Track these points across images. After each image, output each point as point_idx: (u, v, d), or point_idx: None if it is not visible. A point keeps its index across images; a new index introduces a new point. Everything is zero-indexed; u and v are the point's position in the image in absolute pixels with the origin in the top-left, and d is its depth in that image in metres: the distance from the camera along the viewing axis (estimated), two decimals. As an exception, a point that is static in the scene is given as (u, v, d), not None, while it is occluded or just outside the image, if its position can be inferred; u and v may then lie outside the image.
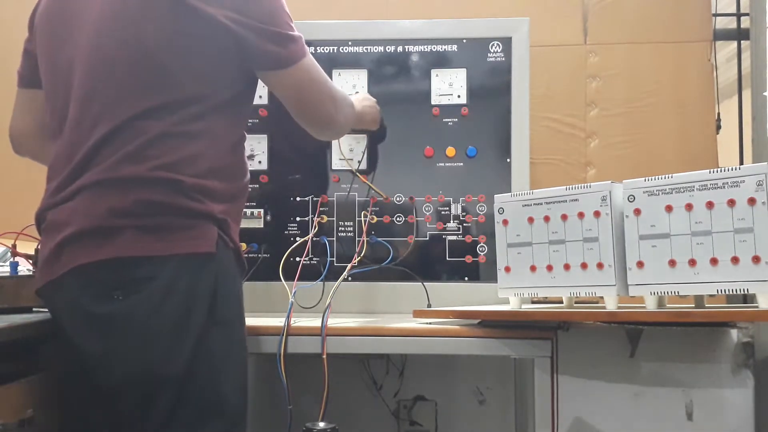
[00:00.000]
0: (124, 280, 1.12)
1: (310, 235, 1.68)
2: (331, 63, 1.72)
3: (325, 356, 1.30)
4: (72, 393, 1.20)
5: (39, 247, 1.24)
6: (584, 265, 1.27)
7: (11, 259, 1.34)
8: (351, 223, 1.71)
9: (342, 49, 1.74)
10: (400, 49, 1.74)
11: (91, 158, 1.15)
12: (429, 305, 1.61)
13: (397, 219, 1.70)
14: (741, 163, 2.15)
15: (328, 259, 1.67)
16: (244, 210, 1.69)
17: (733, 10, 2.28)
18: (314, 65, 1.30)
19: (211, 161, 1.20)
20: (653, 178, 1.21)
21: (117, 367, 1.13)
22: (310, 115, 1.33)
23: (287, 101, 1.32)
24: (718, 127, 2.06)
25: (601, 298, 1.26)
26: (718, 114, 2.06)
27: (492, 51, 1.72)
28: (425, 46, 1.74)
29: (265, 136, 1.73)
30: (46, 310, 1.22)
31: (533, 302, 1.53)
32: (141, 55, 1.16)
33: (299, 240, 1.68)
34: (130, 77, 1.16)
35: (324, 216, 1.71)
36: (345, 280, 1.58)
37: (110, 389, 1.15)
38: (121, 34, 1.17)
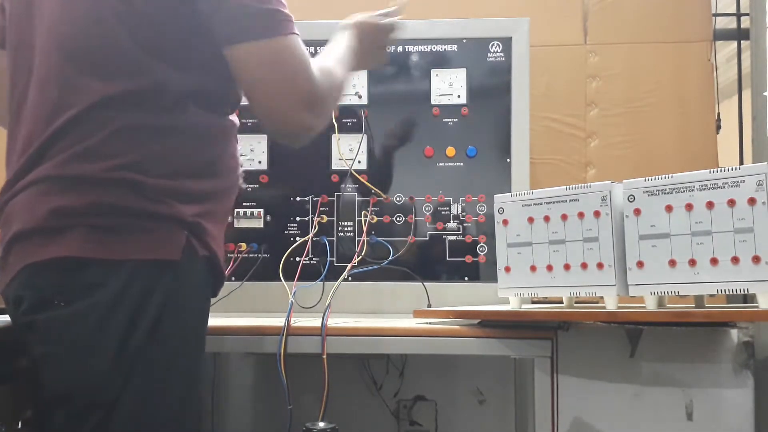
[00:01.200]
0: (68, 285, 1.00)
1: (310, 235, 1.68)
2: (331, 63, 1.72)
3: (325, 356, 1.30)
4: (25, 398, 1.12)
5: None
6: (584, 265, 1.27)
7: None
8: (351, 223, 1.71)
9: (342, 49, 1.74)
10: (400, 49, 1.74)
11: (45, 151, 1.03)
12: (429, 305, 1.61)
13: (397, 219, 1.70)
14: (741, 163, 2.15)
15: (328, 259, 1.67)
16: (244, 210, 1.70)
17: (733, 10, 2.28)
18: (299, 50, 1.07)
19: (183, 158, 1.06)
20: (653, 178, 1.21)
21: (52, 378, 1.03)
22: (273, 103, 1.07)
23: (250, 81, 1.07)
24: (718, 127, 2.06)
25: (601, 298, 1.26)
26: (718, 114, 2.06)
27: (492, 51, 1.72)
28: (425, 46, 1.74)
29: (265, 136, 1.73)
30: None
31: (533, 302, 1.53)
32: (99, 34, 1.03)
33: (299, 240, 1.68)
34: (87, 59, 1.03)
35: (324, 216, 1.71)
36: (345, 280, 1.58)
37: (44, 402, 1.05)
38: (80, 13, 1.04)
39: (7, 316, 1.13)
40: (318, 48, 1.70)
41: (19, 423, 1.11)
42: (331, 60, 1.22)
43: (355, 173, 1.70)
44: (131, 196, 1.01)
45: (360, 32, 1.34)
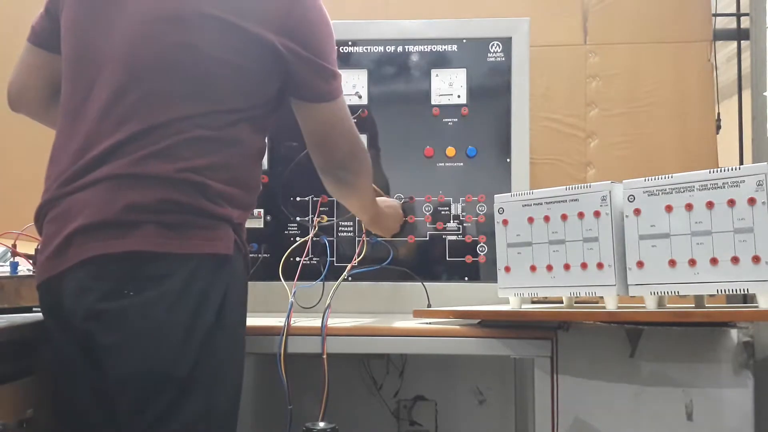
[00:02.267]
0: (137, 276, 1.10)
1: (310, 235, 1.68)
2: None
3: (325, 356, 1.30)
4: (67, 390, 1.18)
5: (41, 239, 1.19)
6: (584, 265, 1.27)
7: (11, 259, 1.34)
8: (351, 223, 1.71)
9: (342, 49, 1.74)
10: (400, 49, 1.74)
11: (115, 150, 1.12)
12: (429, 305, 1.61)
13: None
14: (741, 163, 2.15)
15: (328, 259, 1.67)
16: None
17: (733, 10, 2.28)
18: (346, 106, 1.32)
19: (237, 170, 1.20)
20: (653, 178, 1.21)
21: (121, 363, 1.11)
22: (328, 152, 1.32)
23: (314, 134, 1.31)
24: (718, 127, 2.06)
25: (601, 298, 1.26)
26: (718, 114, 2.07)
27: (492, 51, 1.72)
28: (425, 46, 1.74)
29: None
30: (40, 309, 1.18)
31: (533, 302, 1.53)
32: (192, 61, 1.15)
33: (299, 240, 1.68)
34: (175, 81, 1.15)
35: (324, 216, 1.71)
36: (345, 280, 1.58)
37: (111, 385, 1.13)
38: (174, 38, 1.15)
39: (10, 316, 1.14)
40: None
41: (20, 423, 1.12)
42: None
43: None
44: (195, 196, 1.13)
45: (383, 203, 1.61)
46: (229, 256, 1.16)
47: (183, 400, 1.12)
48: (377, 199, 1.56)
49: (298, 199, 1.72)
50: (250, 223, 1.69)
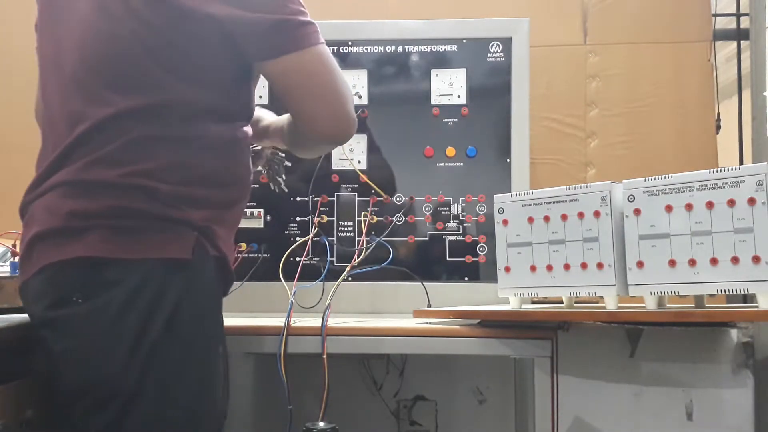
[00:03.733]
0: (86, 283, 1.05)
1: (311, 235, 1.68)
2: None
3: (325, 356, 1.30)
4: (50, 395, 1.15)
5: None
6: (584, 265, 1.27)
7: (11, 259, 1.34)
8: (351, 223, 1.71)
9: (342, 49, 1.74)
10: (400, 49, 1.74)
11: (68, 155, 1.09)
12: (429, 305, 1.61)
13: (397, 219, 1.70)
14: (741, 163, 2.15)
15: (328, 259, 1.67)
16: (244, 210, 1.70)
17: (733, 10, 2.28)
18: (329, 56, 1.17)
19: (194, 168, 1.12)
20: (653, 178, 1.21)
21: (69, 373, 1.07)
22: (323, 108, 1.16)
23: (292, 92, 1.16)
24: (718, 127, 2.06)
25: (601, 298, 1.26)
26: (718, 114, 2.06)
27: (492, 51, 1.72)
28: (425, 46, 1.74)
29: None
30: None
31: (533, 302, 1.53)
32: (125, 53, 1.09)
33: (299, 240, 1.68)
34: (113, 74, 1.09)
35: (324, 216, 1.71)
36: (345, 280, 1.58)
37: (62, 396, 1.10)
38: (108, 30, 1.09)
39: (10, 316, 1.14)
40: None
41: (20, 423, 1.11)
42: None
43: (359, 173, 1.70)
44: (145, 201, 1.07)
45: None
46: (186, 260, 1.08)
47: (127, 414, 1.05)
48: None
49: (298, 199, 1.72)
50: (250, 223, 1.70)
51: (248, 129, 1.25)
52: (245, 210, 1.68)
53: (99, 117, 1.08)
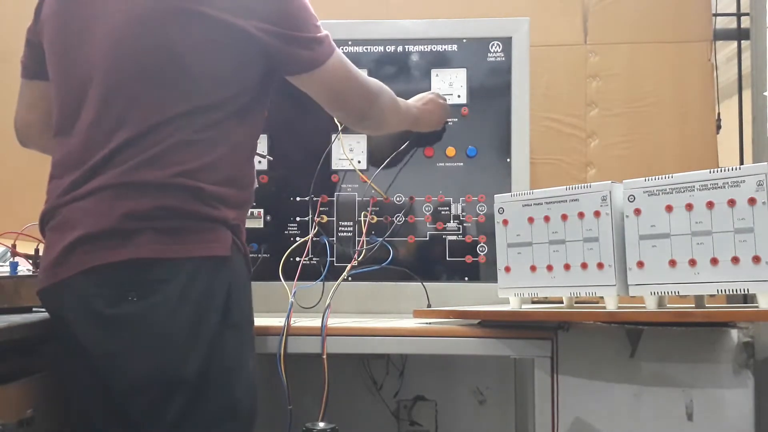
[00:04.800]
0: (139, 282, 1.12)
1: (311, 235, 1.68)
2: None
3: (325, 356, 1.30)
4: (78, 394, 1.20)
5: (43, 246, 1.21)
6: (584, 265, 1.27)
7: (11, 259, 1.34)
8: (351, 223, 1.71)
9: (342, 49, 1.73)
10: (400, 49, 1.74)
11: (109, 160, 1.14)
12: (429, 305, 1.61)
13: (397, 219, 1.70)
14: (741, 163, 2.15)
15: (328, 259, 1.67)
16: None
17: (733, 10, 2.28)
18: (342, 62, 1.34)
19: (229, 169, 1.21)
20: (653, 178, 1.21)
21: (130, 368, 1.13)
22: (344, 110, 1.41)
23: (320, 100, 1.36)
24: (718, 127, 2.06)
25: (601, 298, 1.26)
26: (718, 114, 2.06)
27: (492, 51, 1.72)
28: (425, 46, 1.74)
29: (265, 136, 1.73)
30: (45, 311, 1.20)
31: (533, 302, 1.53)
32: (168, 62, 1.16)
33: (299, 240, 1.68)
34: (156, 83, 1.16)
35: (324, 216, 1.71)
36: (345, 280, 1.58)
37: (122, 390, 1.14)
38: (148, 40, 1.16)
39: (10, 316, 1.14)
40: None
41: (20, 423, 1.12)
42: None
43: (359, 173, 1.69)
44: (190, 201, 1.14)
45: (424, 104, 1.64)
46: (228, 257, 1.18)
47: (199, 400, 1.13)
48: (411, 100, 1.61)
49: (298, 199, 1.72)
50: (250, 223, 1.70)
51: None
52: (245, 210, 1.71)
53: (142, 122, 1.14)
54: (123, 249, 1.11)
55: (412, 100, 1.62)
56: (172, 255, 1.12)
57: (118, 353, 1.13)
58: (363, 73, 1.42)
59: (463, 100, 1.72)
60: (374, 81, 1.44)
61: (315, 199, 1.71)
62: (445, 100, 1.69)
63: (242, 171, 1.26)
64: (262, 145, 1.73)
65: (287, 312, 1.38)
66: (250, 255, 1.68)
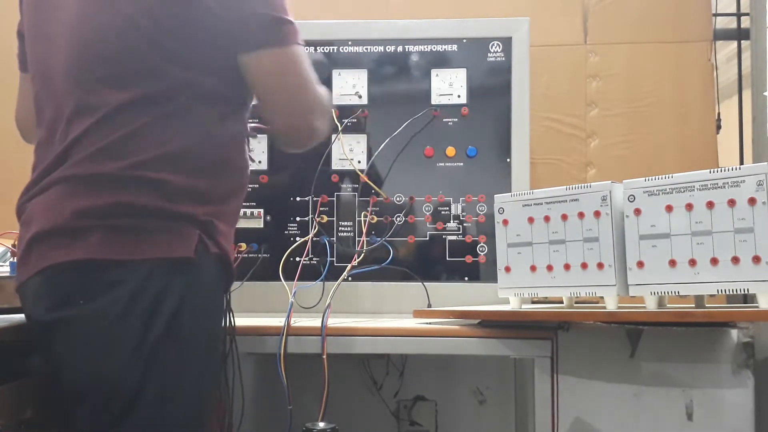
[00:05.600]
0: (89, 284, 1.04)
1: (311, 235, 1.68)
2: (331, 63, 1.72)
3: (325, 356, 1.30)
4: (51, 396, 1.14)
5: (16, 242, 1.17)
6: (584, 265, 1.27)
7: (11, 259, 1.34)
8: (351, 223, 1.71)
9: (342, 49, 1.74)
10: (400, 49, 1.74)
11: (68, 151, 1.07)
12: (429, 305, 1.61)
13: (397, 219, 1.70)
14: (741, 163, 2.15)
15: (328, 259, 1.67)
16: (244, 210, 1.70)
17: (733, 10, 2.28)
18: (305, 59, 1.16)
19: (203, 158, 1.11)
20: (653, 178, 1.21)
21: (71, 373, 1.07)
22: (284, 110, 1.17)
23: (263, 88, 1.16)
24: (718, 127, 2.06)
25: (601, 298, 1.26)
26: (718, 114, 2.06)
27: (492, 51, 1.72)
28: (425, 46, 1.74)
29: (265, 136, 1.73)
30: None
31: (533, 302, 1.53)
32: (125, 43, 1.08)
33: (299, 240, 1.68)
34: (114, 65, 1.08)
35: (324, 216, 1.71)
36: (345, 280, 1.58)
37: (68, 396, 1.09)
38: (103, 20, 1.09)
39: (10, 316, 1.14)
40: (318, 48, 1.72)
41: (20, 423, 1.11)
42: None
43: (359, 173, 1.69)
44: (150, 196, 1.05)
45: None
46: (190, 259, 1.07)
47: (128, 415, 1.05)
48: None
49: (298, 199, 1.72)
50: (250, 223, 1.70)
51: (248, 118, 1.25)
52: (245, 210, 1.70)
53: (101, 109, 1.07)
54: (73, 248, 1.04)
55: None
56: (126, 256, 1.04)
57: (63, 357, 1.06)
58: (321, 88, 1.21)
59: (463, 100, 1.72)
60: (327, 97, 1.24)
61: (315, 199, 1.71)
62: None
63: (218, 159, 1.14)
64: (262, 144, 1.73)
65: (287, 312, 1.38)
66: (251, 255, 1.69)
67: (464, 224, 1.70)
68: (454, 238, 1.70)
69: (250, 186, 1.69)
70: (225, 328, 1.25)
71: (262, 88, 1.16)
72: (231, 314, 1.30)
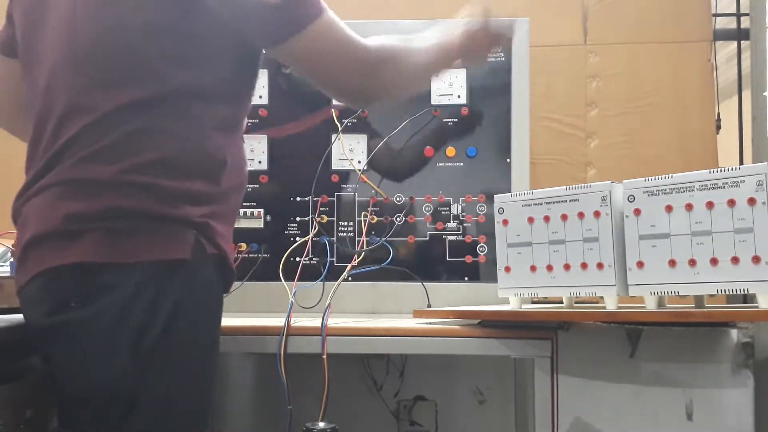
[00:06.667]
0: (83, 288, 1.02)
1: (311, 235, 1.68)
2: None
3: (325, 356, 1.30)
4: (47, 396, 1.14)
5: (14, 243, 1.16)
6: (584, 265, 1.27)
7: (11, 259, 1.34)
8: (351, 223, 1.71)
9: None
10: (400, 49, 1.74)
11: (61, 153, 1.05)
12: (429, 305, 1.61)
13: (398, 219, 1.70)
14: (741, 163, 2.15)
15: (328, 259, 1.67)
16: (244, 210, 1.70)
17: (733, 10, 2.28)
18: (331, 26, 1.13)
19: (196, 160, 1.09)
20: (653, 178, 1.21)
21: (69, 377, 1.06)
22: (334, 87, 1.20)
23: (304, 75, 1.19)
24: (718, 127, 2.06)
25: (601, 298, 1.26)
26: (718, 114, 2.06)
27: (492, 51, 1.72)
28: (425, 46, 1.74)
29: (265, 136, 1.73)
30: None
31: (533, 302, 1.53)
32: (121, 44, 1.05)
33: (299, 240, 1.68)
34: (109, 66, 1.06)
35: (324, 216, 1.71)
36: (345, 280, 1.58)
37: (67, 401, 1.08)
38: (100, 19, 1.07)
39: (10, 316, 1.14)
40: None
41: (20, 423, 1.11)
42: (412, 43, 1.27)
43: (359, 173, 1.70)
44: (143, 200, 1.03)
45: (469, 33, 1.36)
46: (186, 261, 1.05)
47: (126, 419, 1.03)
48: (441, 32, 1.33)
49: (298, 199, 1.72)
50: (250, 223, 1.70)
51: (246, 117, 1.24)
52: (245, 210, 1.70)
53: (96, 111, 1.05)
54: (67, 251, 1.02)
55: (441, 32, 1.34)
56: (121, 259, 1.02)
57: (60, 361, 1.06)
58: (358, 41, 1.16)
59: (463, 100, 1.72)
60: (376, 47, 1.18)
61: (315, 199, 1.71)
62: (488, 19, 1.38)
63: (215, 161, 1.12)
64: (262, 144, 1.73)
65: (287, 312, 1.38)
66: (251, 255, 1.69)
67: (464, 224, 1.70)
68: (454, 238, 1.70)
69: (249, 186, 1.70)
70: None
71: (300, 71, 1.19)
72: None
